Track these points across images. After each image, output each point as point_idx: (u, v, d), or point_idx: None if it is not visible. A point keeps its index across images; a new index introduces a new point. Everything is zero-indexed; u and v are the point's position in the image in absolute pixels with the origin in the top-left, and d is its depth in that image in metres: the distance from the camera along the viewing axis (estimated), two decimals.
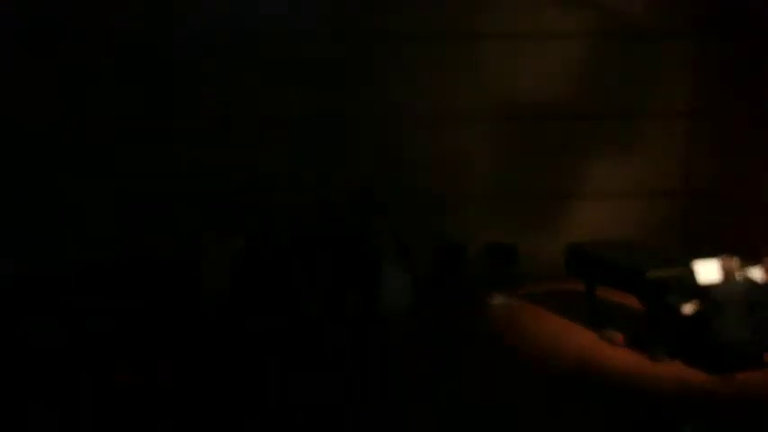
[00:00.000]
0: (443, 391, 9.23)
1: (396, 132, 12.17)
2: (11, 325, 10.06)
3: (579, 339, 10.43)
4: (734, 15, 12.04)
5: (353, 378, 9.46)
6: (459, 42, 12.20)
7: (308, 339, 10.30)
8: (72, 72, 11.20)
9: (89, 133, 11.22)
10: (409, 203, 11.75)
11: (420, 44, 12.07)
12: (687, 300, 9.62)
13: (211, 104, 11.61)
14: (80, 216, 11.26)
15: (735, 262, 9.51)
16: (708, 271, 9.74)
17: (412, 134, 12.22)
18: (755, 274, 9.68)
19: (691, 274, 9.78)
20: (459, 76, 12.30)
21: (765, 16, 11.59)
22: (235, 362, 9.53)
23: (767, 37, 11.57)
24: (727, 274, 9.40)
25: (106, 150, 11.16)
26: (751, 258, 9.89)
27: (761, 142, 11.70)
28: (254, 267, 10.96)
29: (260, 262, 11.01)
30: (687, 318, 9.62)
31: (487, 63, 12.31)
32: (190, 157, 11.34)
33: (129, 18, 11.26)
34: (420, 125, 12.16)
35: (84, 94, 11.33)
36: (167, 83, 11.36)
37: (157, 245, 10.98)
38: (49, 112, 11.12)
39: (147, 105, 11.33)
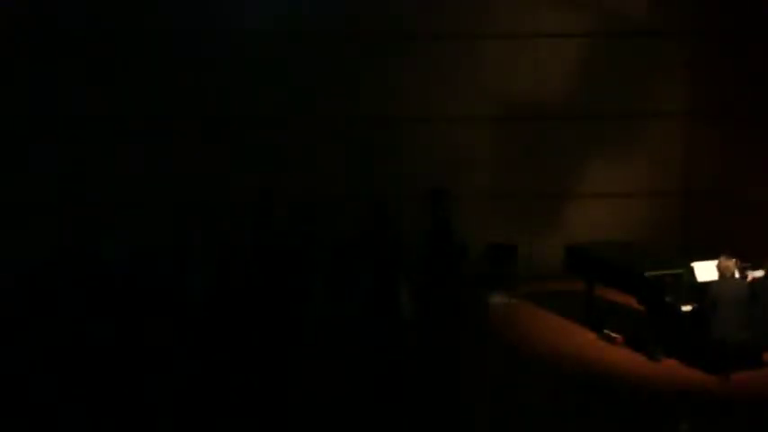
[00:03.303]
0: (443, 391, 9.07)
1: (395, 132, 12.25)
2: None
3: (579, 339, 10.34)
4: (734, 15, 12.17)
5: (354, 378, 9.27)
6: (460, 42, 12.22)
7: (305, 340, 10.24)
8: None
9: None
10: (408, 203, 11.81)
11: (420, 44, 12.07)
12: (686, 299, 9.61)
13: (211, 104, 11.56)
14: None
15: (734, 262, 9.58)
16: (707, 270, 9.70)
17: (411, 134, 12.32)
18: (755, 273, 9.75)
19: (690, 273, 9.72)
20: (460, 76, 12.31)
21: (765, 16, 11.73)
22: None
23: (767, 37, 11.74)
24: (726, 273, 9.47)
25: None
26: (751, 258, 9.93)
27: (761, 142, 11.77)
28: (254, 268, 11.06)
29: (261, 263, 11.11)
30: (686, 317, 9.62)
31: (487, 63, 12.32)
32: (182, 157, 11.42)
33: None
34: (419, 125, 12.24)
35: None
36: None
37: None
38: None
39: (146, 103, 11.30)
